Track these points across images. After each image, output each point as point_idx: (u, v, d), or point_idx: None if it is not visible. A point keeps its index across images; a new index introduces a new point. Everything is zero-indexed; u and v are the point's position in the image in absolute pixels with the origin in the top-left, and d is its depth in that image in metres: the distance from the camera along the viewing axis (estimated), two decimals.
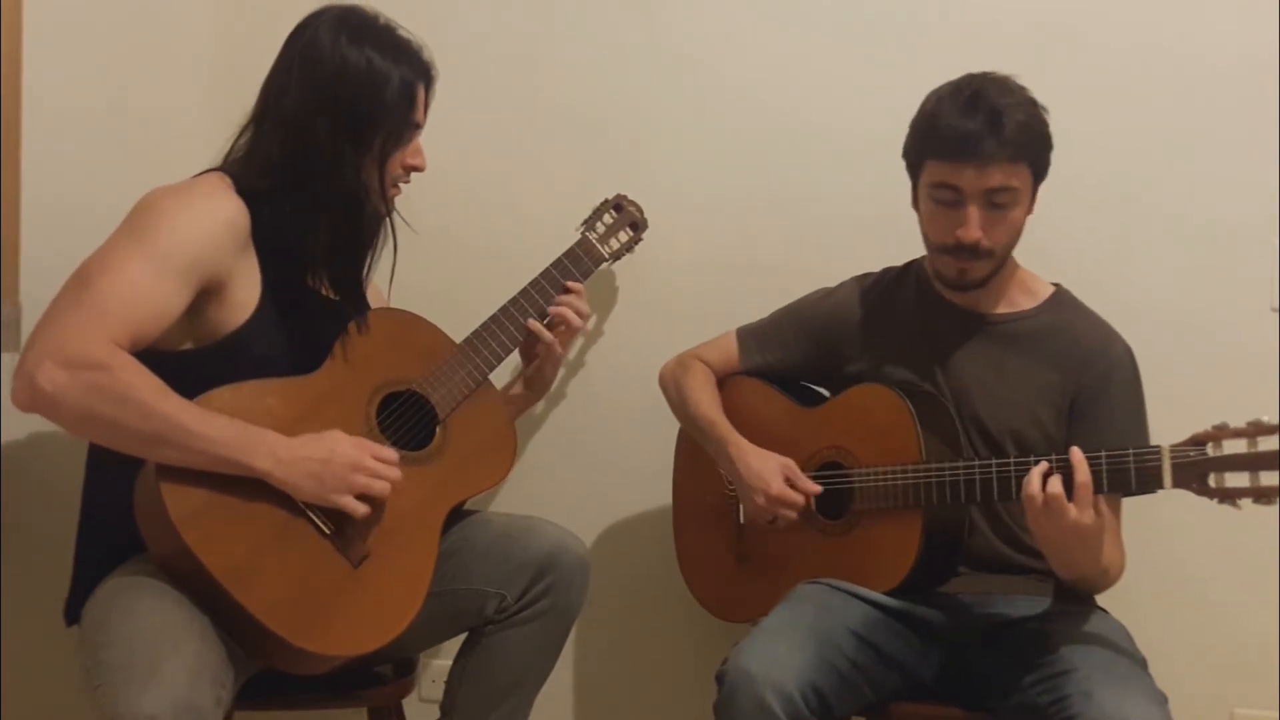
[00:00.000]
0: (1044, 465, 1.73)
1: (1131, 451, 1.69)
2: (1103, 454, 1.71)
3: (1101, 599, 2.00)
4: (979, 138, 1.85)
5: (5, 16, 2.06)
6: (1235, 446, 1.61)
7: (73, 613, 1.80)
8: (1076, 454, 1.71)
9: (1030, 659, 1.80)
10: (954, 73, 1.95)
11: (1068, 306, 2.04)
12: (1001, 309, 2.04)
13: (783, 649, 1.77)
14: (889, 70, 2.01)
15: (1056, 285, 2.07)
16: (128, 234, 1.75)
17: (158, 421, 1.65)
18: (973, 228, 1.89)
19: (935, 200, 1.92)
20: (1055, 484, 1.70)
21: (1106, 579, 1.90)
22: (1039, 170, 1.93)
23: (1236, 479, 1.60)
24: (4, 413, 2.07)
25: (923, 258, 2.11)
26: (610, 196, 2.40)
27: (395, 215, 1.97)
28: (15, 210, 2.10)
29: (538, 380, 2.23)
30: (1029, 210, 1.96)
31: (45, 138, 2.14)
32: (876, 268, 2.18)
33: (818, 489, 2.03)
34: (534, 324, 2.15)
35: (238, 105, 1.92)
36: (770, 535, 2.12)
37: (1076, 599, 1.96)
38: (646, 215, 2.41)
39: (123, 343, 1.67)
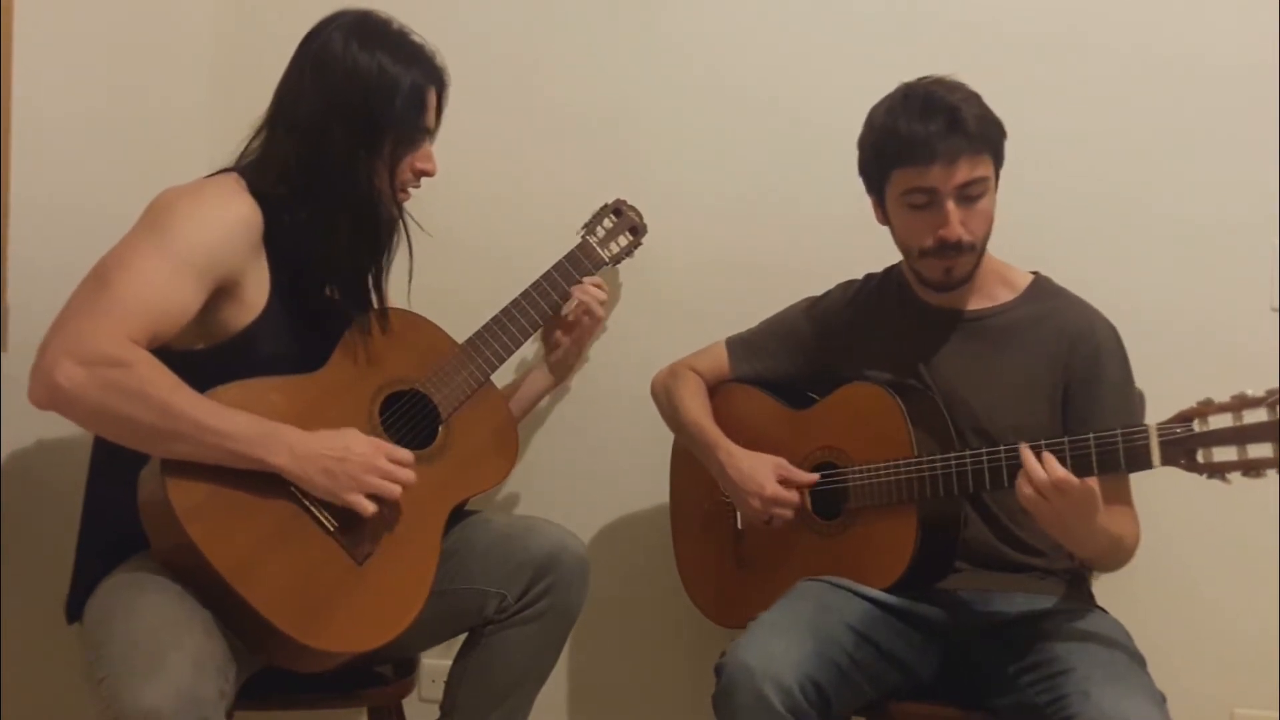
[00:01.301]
0: (1022, 472, 1.72)
1: (1119, 431, 1.70)
2: (1090, 435, 1.71)
3: (1101, 598, 2.01)
4: (942, 136, 1.87)
5: None
6: (1221, 421, 1.61)
7: (73, 610, 1.81)
8: (1024, 450, 1.72)
9: (1029, 657, 1.80)
10: (954, 73, 1.96)
11: (1048, 294, 2.05)
12: (982, 304, 2.05)
13: (781, 643, 1.77)
14: (890, 72, 2.01)
15: (1035, 273, 2.08)
16: (144, 233, 1.76)
17: (173, 417, 1.65)
18: (954, 225, 1.90)
19: (910, 206, 1.93)
20: (1025, 486, 1.71)
21: (1123, 549, 1.89)
22: (999, 158, 1.95)
23: (1224, 453, 1.60)
24: (4, 413, 2.07)
25: (900, 262, 2.12)
26: (610, 201, 2.40)
27: (409, 219, 1.97)
28: (3, 211, 2.10)
29: (562, 366, 2.28)
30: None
31: (32, 137, 2.14)
32: (877, 268, 2.18)
33: (814, 478, 2.04)
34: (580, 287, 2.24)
35: (236, 105, 1.93)
36: (768, 538, 2.12)
37: (1079, 596, 1.97)
38: (649, 215, 2.41)
39: (140, 340, 1.68)
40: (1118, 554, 1.89)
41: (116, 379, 1.63)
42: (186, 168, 1.91)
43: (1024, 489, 1.71)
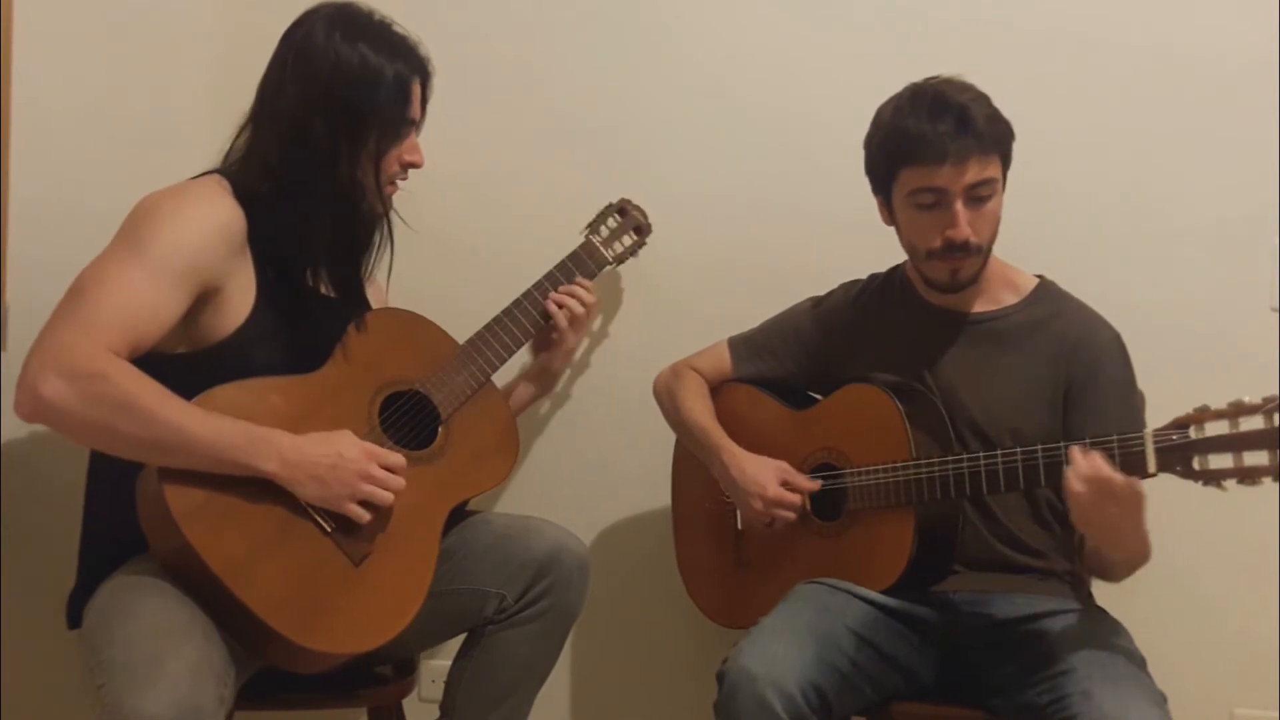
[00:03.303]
0: (1081, 448, 1.68)
1: (1115, 437, 1.69)
2: (1086, 441, 1.71)
3: (1101, 598, 2.01)
4: (952, 136, 1.86)
5: None
6: (1218, 428, 1.60)
7: (75, 614, 1.80)
8: (1075, 453, 1.69)
9: (1029, 658, 1.80)
10: (957, 74, 1.95)
11: (1053, 298, 2.05)
12: (986, 307, 2.04)
13: (782, 648, 1.77)
14: (893, 72, 2.01)
15: (1040, 277, 2.07)
16: (123, 241, 1.75)
17: (158, 427, 1.65)
18: (962, 226, 1.89)
19: (917, 206, 1.93)
20: (1100, 466, 1.65)
21: (1142, 556, 1.84)
22: (1008, 159, 1.94)
23: (1220, 460, 1.60)
24: (4, 412, 2.07)
25: (904, 263, 2.12)
26: (615, 200, 2.40)
27: (393, 214, 1.97)
28: (4, 210, 2.10)
29: (547, 375, 2.24)
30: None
31: (32, 137, 2.14)
32: (881, 268, 2.18)
33: (815, 485, 2.04)
34: (552, 305, 2.16)
35: (236, 105, 1.93)
36: (768, 540, 2.12)
37: (1078, 597, 1.97)
38: (651, 216, 2.41)
39: (121, 350, 1.67)
40: (1138, 561, 1.86)
41: (101, 392, 1.63)
42: (186, 168, 1.91)
43: (1074, 485, 1.67)
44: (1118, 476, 1.65)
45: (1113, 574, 1.95)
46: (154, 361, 1.71)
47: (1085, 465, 1.67)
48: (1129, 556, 1.85)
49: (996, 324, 2.02)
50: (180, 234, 1.75)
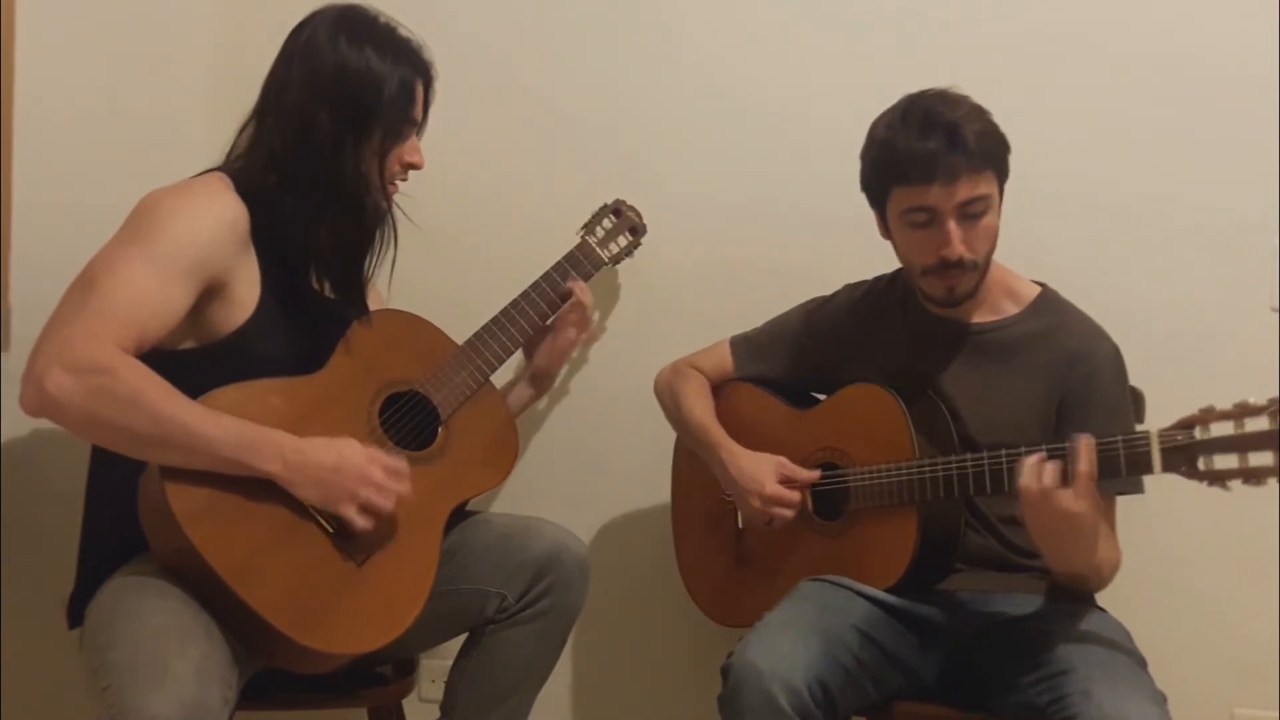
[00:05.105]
0: (1040, 455, 1.71)
1: (1120, 438, 1.69)
2: (1093, 441, 1.71)
3: (1101, 599, 2.00)
4: (940, 156, 1.84)
5: None
6: (1223, 429, 1.60)
7: (76, 613, 1.79)
8: (1085, 441, 1.69)
9: (1029, 658, 1.80)
10: (955, 75, 1.95)
11: (1054, 309, 2.03)
12: (987, 317, 2.03)
13: (788, 644, 1.77)
14: (892, 73, 2.01)
15: (1042, 285, 2.06)
16: (130, 236, 1.75)
17: (163, 424, 1.65)
18: (955, 244, 1.88)
19: (911, 225, 1.91)
20: (1050, 475, 1.69)
21: (1099, 577, 1.88)
22: (1003, 173, 1.92)
23: (1225, 460, 1.60)
24: (5, 411, 2.07)
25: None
26: (609, 201, 2.40)
27: (396, 213, 1.97)
28: (6, 210, 2.10)
29: (544, 377, 2.24)
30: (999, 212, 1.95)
31: (35, 136, 2.14)
32: (881, 270, 2.18)
33: (814, 476, 2.04)
34: (578, 292, 2.19)
35: (237, 104, 1.92)
36: (768, 539, 2.12)
37: (1074, 597, 1.96)
38: (649, 215, 2.41)
39: (127, 346, 1.67)
40: (1092, 579, 1.89)
41: (105, 386, 1.63)
42: (188, 168, 1.91)
43: (1028, 491, 1.70)
44: (1067, 494, 1.67)
45: (1067, 583, 1.93)
46: (159, 357, 1.71)
47: (1032, 477, 1.69)
48: (1074, 571, 1.85)
49: (998, 335, 2.01)
50: (185, 229, 1.75)
